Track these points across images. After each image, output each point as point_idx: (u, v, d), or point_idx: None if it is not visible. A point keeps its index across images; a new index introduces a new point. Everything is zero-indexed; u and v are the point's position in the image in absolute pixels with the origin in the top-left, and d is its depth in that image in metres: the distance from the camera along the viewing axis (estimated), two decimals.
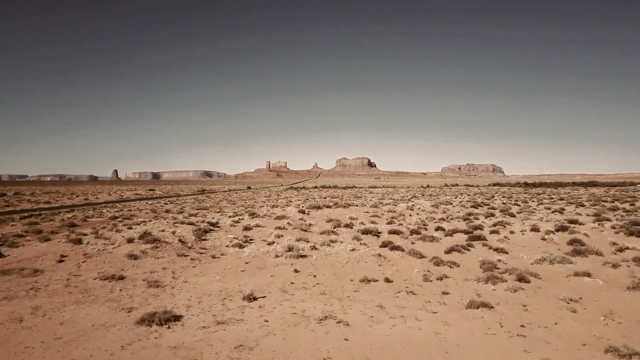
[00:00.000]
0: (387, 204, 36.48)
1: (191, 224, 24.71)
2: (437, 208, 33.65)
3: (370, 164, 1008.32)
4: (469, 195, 61.11)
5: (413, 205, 35.94)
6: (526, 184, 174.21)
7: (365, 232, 21.32)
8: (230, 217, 29.60)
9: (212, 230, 23.41)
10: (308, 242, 19.31)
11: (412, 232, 21.75)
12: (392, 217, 27.59)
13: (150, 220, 27.83)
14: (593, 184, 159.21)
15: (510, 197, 49.63)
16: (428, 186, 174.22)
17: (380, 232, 22.07)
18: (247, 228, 23.53)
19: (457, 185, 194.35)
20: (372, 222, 25.70)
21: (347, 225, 23.57)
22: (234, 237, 20.91)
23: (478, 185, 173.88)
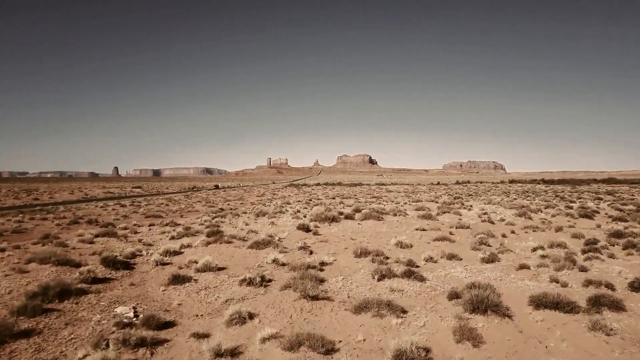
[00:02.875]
0: (444, 212, 22.92)
1: (64, 263, 11.36)
2: (530, 219, 20.16)
3: (371, 161, 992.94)
4: (517, 194, 47.54)
5: (484, 213, 22.36)
6: (544, 181, 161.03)
7: (475, 304, 7.93)
8: (173, 238, 16.25)
9: (91, 288, 10.02)
10: (329, 354, 5.97)
11: (593, 301, 8.34)
12: (482, 243, 14.16)
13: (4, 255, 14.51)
14: (614, 180, 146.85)
15: (599, 199, 35.94)
16: (439, 183, 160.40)
17: (500, 300, 8.58)
18: (176, 278, 10.19)
19: (469, 182, 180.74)
20: (452, 257, 12.28)
21: (408, 274, 10.18)
22: (117, 325, 7.60)
23: (493, 182, 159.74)
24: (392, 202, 35.54)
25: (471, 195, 46.30)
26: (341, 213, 21.69)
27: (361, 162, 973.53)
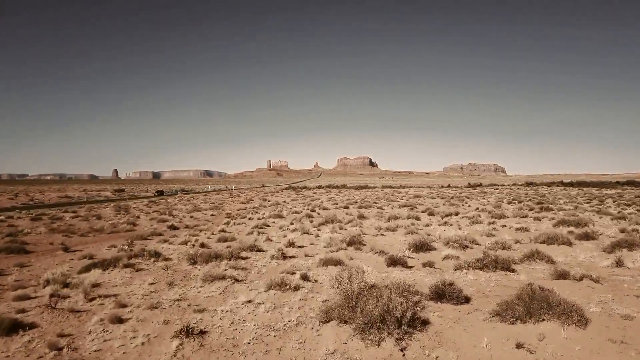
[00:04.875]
0: None
1: None
2: None
3: (372, 163, 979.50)
4: (594, 199, 33.82)
5: None
6: (563, 183, 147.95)
7: None
8: None
9: None
10: None
11: None
12: None
13: None
14: (635, 183, 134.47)
15: None
16: (449, 186, 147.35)
17: None
18: None
19: (481, 184, 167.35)
20: None
21: None
22: None
23: (509, 185, 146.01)
24: (451, 216, 21.80)
25: (543, 204, 32.52)
26: (405, 263, 8.10)
27: (361, 164, 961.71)
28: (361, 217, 23.91)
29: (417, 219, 19.87)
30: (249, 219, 26.09)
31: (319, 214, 27.04)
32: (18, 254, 14.19)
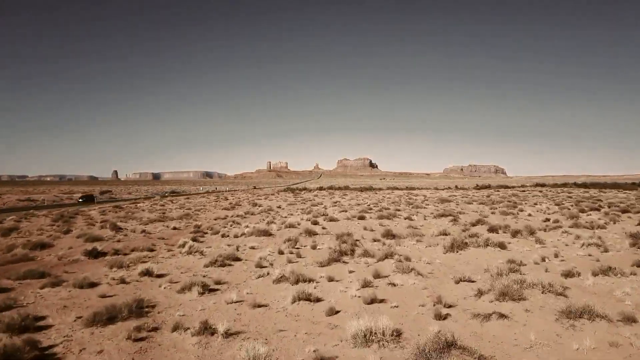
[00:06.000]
0: None
1: None
2: None
3: (372, 165, 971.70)
4: None
5: None
6: (576, 184, 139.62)
7: None
8: None
9: None
10: None
11: None
12: None
13: None
14: None
15: None
16: (457, 187, 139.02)
17: None
18: None
19: (490, 186, 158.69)
20: None
21: None
22: None
23: (517, 186, 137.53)
24: (536, 234, 13.54)
25: (629, 212, 24.06)
26: None
27: (361, 165, 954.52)
28: (389, 235, 15.59)
29: (502, 246, 11.50)
30: (222, 235, 17.84)
31: (324, 228, 18.71)
32: None
